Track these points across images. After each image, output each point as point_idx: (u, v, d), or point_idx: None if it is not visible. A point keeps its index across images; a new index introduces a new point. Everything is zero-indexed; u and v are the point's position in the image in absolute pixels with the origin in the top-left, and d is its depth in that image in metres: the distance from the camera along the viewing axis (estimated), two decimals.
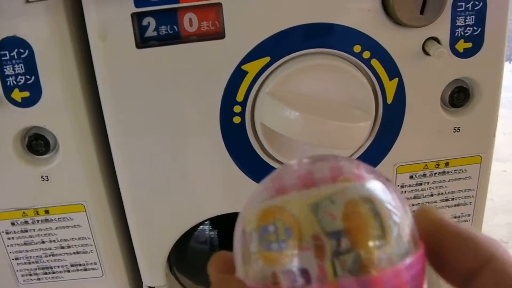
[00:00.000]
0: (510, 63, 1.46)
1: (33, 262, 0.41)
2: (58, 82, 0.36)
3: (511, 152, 1.06)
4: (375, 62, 0.37)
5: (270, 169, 0.40)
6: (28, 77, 0.36)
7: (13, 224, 0.40)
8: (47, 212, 0.39)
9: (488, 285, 0.19)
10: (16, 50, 0.35)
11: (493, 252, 0.19)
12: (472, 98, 0.40)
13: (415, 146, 0.41)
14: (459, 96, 0.40)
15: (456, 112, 0.41)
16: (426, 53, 0.37)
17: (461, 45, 0.38)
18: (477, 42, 0.38)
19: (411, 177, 0.42)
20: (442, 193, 0.43)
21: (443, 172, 0.42)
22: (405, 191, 0.42)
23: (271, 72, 0.37)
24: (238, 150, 0.39)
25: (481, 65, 0.39)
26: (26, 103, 0.36)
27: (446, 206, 0.44)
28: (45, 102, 0.36)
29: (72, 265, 0.41)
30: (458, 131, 0.41)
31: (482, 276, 0.19)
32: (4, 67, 0.36)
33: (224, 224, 0.46)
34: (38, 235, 0.40)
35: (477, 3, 0.37)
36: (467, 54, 0.38)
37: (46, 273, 0.42)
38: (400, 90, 0.39)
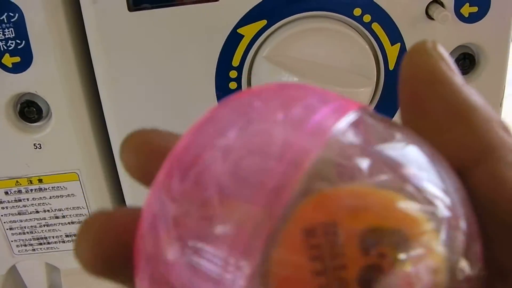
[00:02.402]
0: None
1: (27, 233, 0.41)
2: (49, 47, 0.35)
3: None
4: (376, 26, 0.36)
5: None
6: (18, 41, 0.35)
7: (6, 193, 0.39)
8: (40, 181, 0.39)
9: (481, 186, 0.15)
10: (5, 14, 0.34)
11: (493, 148, 0.15)
12: (478, 65, 0.39)
13: None
14: (464, 63, 0.39)
15: None
16: (430, 17, 0.36)
17: (466, 9, 0.37)
18: (483, 6, 0.36)
19: None
20: None
21: None
22: None
23: (268, 35, 0.35)
24: None
25: (488, 31, 0.37)
26: (17, 68, 0.36)
27: None
28: (36, 67, 0.36)
29: (67, 236, 0.41)
30: None
31: (475, 174, 0.15)
32: None
33: None
34: (32, 204, 0.40)
35: None
36: (472, 18, 0.37)
37: (41, 244, 0.41)
38: (403, 56, 0.37)
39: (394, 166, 0.13)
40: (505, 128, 0.16)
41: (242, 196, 0.12)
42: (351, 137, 0.13)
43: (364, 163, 0.12)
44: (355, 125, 0.13)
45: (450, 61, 0.17)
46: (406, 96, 0.17)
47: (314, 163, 0.12)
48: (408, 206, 0.12)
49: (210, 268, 0.12)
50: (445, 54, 0.17)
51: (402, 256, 0.11)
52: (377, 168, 0.12)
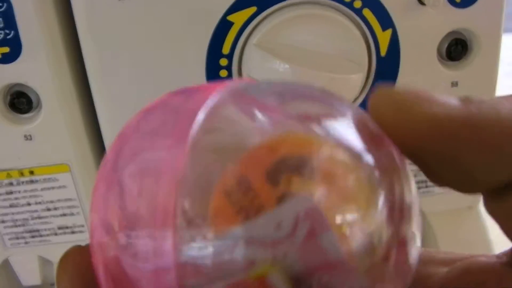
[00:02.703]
0: None
1: (20, 225, 0.40)
2: (38, 37, 0.35)
3: None
4: (367, 12, 0.36)
5: None
6: (7, 32, 0.35)
7: None
8: (31, 173, 0.38)
9: None
10: None
11: None
12: (471, 50, 0.39)
13: None
14: (456, 48, 0.38)
15: (454, 65, 0.39)
16: (421, 2, 0.36)
17: None
18: None
19: None
20: None
21: None
22: None
23: (258, 22, 0.35)
24: None
25: (480, 16, 0.37)
26: (6, 59, 0.35)
27: None
28: (26, 57, 0.35)
29: (59, 228, 0.41)
30: (456, 86, 0.39)
31: None
32: None
33: None
34: (23, 196, 0.39)
35: None
36: (464, 3, 0.37)
37: (33, 236, 0.41)
38: (394, 42, 0.37)
39: (288, 115, 0.14)
40: None
41: (151, 177, 0.14)
42: (235, 103, 0.15)
43: (253, 122, 0.14)
44: (237, 93, 0.15)
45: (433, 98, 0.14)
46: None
47: (202, 133, 0.13)
48: (303, 137, 0.13)
49: (142, 244, 0.13)
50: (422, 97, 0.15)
51: (307, 175, 0.13)
52: (264, 122, 0.14)
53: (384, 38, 0.37)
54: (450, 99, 0.14)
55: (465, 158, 0.14)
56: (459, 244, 0.45)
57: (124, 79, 0.36)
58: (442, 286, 0.17)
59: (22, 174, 0.39)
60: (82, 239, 0.41)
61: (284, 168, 0.13)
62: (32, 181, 0.39)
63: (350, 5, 0.35)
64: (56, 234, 0.41)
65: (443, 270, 0.17)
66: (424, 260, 0.17)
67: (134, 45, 0.35)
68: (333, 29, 0.35)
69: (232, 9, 0.35)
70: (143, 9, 0.34)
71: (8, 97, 0.37)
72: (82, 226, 0.41)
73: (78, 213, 0.40)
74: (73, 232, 0.41)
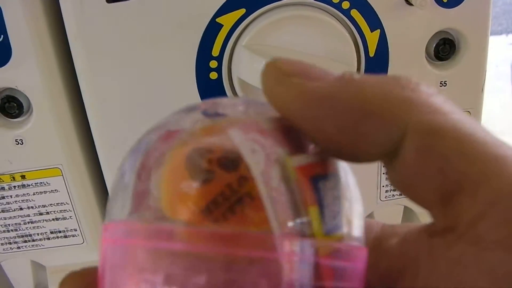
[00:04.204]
0: (507, 36, 1.44)
1: (12, 230, 0.40)
2: (28, 41, 0.35)
3: (507, 125, 1.05)
4: (355, 13, 0.36)
5: None
6: None
7: None
8: (23, 177, 0.38)
9: (414, 159, 0.14)
10: None
11: (408, 117, 0.14)
12: (458, 50, 0.39)
13: None
14: (444, 48, 0.39)
15: (442, 65, 0.39)
16: (408, 2, 0.36)
17: None
18: None
19: None
20: None
21: None
22: None
23: (247, 24, 0.35)
24: None
25: (467, 15, 0.37)
26: None
27: None
28: (16, 62, 0.35)
29: (52, 232, 0.40)
30: (444, 86, 0.39)
31: (403, 151, 0.14)
32: None
33: None
34: (15, 201, 0.39)
35: None
36: (451, 3, 0.37)
37: (26, 241, 0.41)
38: (383, 42, 0.37)
39: None
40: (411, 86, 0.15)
41: None
42: None
43: None
44: None
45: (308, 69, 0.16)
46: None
47: None
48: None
49: None
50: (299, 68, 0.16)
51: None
52: None
53: (372, 38, 0.37)
54: (327, 75, 0.15)
55: (328, 127, 0.15)
56: None
57: (114, 82, 0.36)
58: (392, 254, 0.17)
59: (13, 178, 0.39)
60: (75, 243, 0.41)
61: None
62: (24, 186, 0.39)
63: (338, 6, 0.36)
64: (48, 238, 0.41)
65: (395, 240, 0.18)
66: (387, 233, 0.18)
67: (123, 48, 0.36)
68: (322, 30, 0.36)
69: (221, 11, 0.35)
70: (132, 12, 0.35)
71: None
72: (75, 230, 0.41)
73: (70, 217, 0.40)
74: (65, 236, 0.41)
